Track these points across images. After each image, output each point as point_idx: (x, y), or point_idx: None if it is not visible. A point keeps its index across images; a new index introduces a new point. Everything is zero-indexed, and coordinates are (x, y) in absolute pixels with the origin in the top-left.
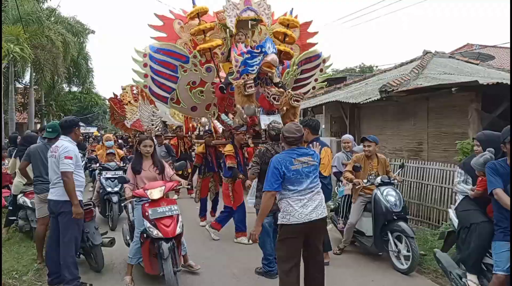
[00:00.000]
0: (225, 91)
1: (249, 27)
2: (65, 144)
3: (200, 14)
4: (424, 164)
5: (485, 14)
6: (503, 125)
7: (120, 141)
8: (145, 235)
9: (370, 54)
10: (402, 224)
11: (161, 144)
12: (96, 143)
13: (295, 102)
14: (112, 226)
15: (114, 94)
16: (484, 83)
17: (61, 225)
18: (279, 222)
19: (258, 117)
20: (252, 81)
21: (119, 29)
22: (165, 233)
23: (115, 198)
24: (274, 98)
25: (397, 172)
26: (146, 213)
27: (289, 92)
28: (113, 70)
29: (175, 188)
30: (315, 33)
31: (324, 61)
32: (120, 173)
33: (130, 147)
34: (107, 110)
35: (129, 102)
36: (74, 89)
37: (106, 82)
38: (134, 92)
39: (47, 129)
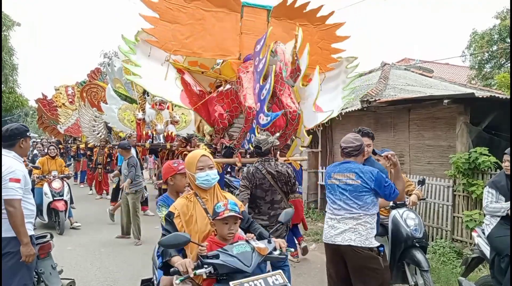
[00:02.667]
0: None
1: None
2: (9, 162)
3: None
4: (408, 177)
5: (400, 34)
6: (488, 138)
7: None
8: None
9: None
10: (417, 254)
11: (126, 158)
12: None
13: None
14: (60, 231)
15: (43, 94)
16: (480, 96)
17: (6, 269)
18: None
19: None
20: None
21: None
22: None
23: (61, 205)
24: None
25: (417, 189)
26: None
27: None
28: (41, 67)
29: None
30: (345, 37)
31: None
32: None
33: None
34: (30, 112)
35: (63, 104)
36: None
37: (31, 81)
38: (69, 92)
39: None
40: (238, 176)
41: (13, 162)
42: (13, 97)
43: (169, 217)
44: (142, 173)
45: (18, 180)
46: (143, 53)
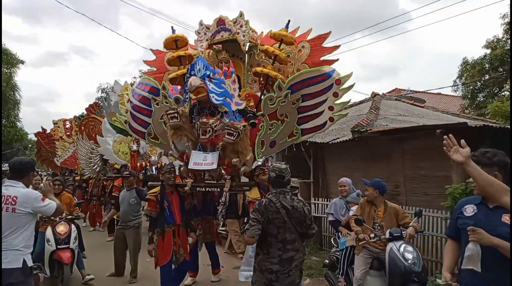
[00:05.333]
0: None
1: (246, 49)
2: (26, 189)
3: (178, 43)
4: (404, 208)
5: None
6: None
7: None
8: None
9: None
10: None
11: (130, 187)
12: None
13: (227, 137)
14: None
15: (42, 128)
16: (473, 126)
17: None
18: None
19: (189, 154)
20: (174, 111)
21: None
22: None
23: (66, 256)
24: (201, 131)
25: (414, 221)
26: None
27: (223, 124)
28: (39, 103)
29: None
30: (334, 47)
31: (338, 82)
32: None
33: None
34: (29, 145)
35: (61, 137)
36: None
37: (30, 116)
38: (67, 126)
39: None
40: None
41: (26, 189)
42: (13, 131)
43: None
44: None
45: (44, 198)
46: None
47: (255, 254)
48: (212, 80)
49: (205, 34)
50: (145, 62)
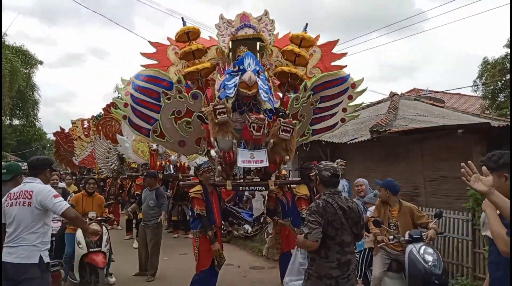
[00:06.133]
0: (207, 120)
1: (257, 48)
2: (40, 185)
3: (190, 35)
4: (424, 210)
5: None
6: None
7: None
8: None
9: None
10: None
11: (151, 187)
12: None
13: (284, 133)
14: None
15: (61, 128)
16: (496, 126)
17: None
18: None
19: (235, 151)
20: (223, 106)
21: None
22: None
23: (100, 259)
24: (253, 127)
25: (433, 222)
26: None
27: (279, 120)
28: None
29: None
30: (343, 54)
31: (353, 85)
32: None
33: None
34: (48, 145)
35: (79, 137)
36: (16, 122)
37: (48, 116)
38: (85, 126)
39: (3, 171)
40: (246, 208)
41: (43, 185)
42: (32, 130)
43: None
44: None
45: (58, 195)
46: None
47: (310, 259)
48: (260, 76)
49: (226, 29)
50: (144, 54)
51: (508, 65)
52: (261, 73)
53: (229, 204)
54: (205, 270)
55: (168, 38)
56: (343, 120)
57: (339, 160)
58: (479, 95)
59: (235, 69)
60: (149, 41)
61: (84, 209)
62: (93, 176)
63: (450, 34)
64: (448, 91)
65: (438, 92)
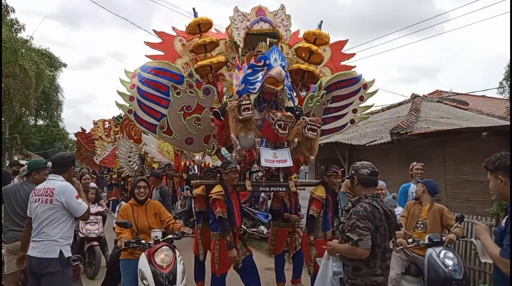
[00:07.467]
0: (222, 117)
1: (267, 43)
2: (63, 183)
3: (201, 27)
4: None
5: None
6: None
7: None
8: None
9: None
10: None
11: (157, 187)
12: None
13: (310, 132)
14: (92, 275)
15: (82, 128)
16: None
17: None
18: None
19: (258, 150)
20: (249, 102)
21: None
22: None
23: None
24: (279, 125)
25: (453, 226)
26: None
27: (303, 118)
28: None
29: None
30: (352, 54)
31: (365, 86)
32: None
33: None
34: (70, 145)
35: (100, 137)
36: (40, 122)
37: (69, 117)
38: (106, 126)
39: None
40: (262, 209)
41: (66, 184)
42: (56, 130)
43: None
44: (175, 204)
45: (78, 196)
46: None
47: (352, 268)
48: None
49: (241, 22)
50: (148, 44)
51: None
52: (286, 70)
53: (244, 205)
54: (222, 273)
55: (174, 28)
56: (352, 121)
57: (414, 163)
58: (505, 97)
59: (259, 64)
60: (154, 30)
61: (137, 224)
62: (144, 177)
63: (474, 35)
64: (472, 93)
65: (461, 94)
